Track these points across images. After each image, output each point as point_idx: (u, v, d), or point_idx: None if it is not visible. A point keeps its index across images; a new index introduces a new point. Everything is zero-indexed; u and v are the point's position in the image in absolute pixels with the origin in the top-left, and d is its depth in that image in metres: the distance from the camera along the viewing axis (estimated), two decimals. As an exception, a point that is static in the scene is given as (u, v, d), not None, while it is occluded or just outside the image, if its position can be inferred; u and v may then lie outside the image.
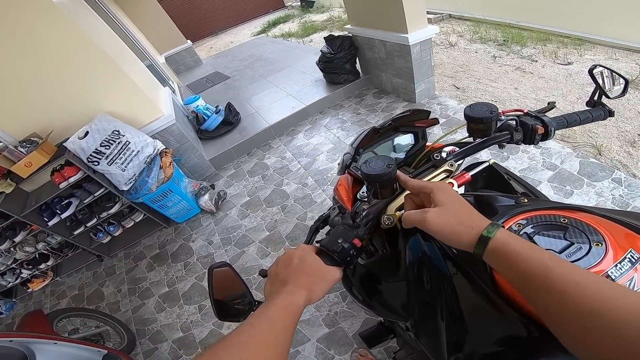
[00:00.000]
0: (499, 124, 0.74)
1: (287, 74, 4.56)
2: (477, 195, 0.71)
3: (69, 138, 2.23)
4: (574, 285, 0.34)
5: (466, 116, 0.70)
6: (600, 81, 0.76)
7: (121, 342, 2.02)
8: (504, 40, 4.10)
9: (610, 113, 0.78)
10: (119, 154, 2.28)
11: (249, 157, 3.30)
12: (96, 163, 2.23)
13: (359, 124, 3.23)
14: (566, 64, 3.34)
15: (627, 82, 0.76)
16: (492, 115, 0.67)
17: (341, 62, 3.51)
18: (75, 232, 2.48)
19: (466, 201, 0.50)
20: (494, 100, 3.02)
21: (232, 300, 0.57)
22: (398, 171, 0.58)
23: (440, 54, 4.21)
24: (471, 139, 0.77)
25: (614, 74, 0.77)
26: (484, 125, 0.69)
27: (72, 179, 2.23)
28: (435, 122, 0.91)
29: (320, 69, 3.73)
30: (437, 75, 3.61)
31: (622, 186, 1.95)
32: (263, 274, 0.57)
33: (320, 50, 3.61)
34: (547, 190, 2.05)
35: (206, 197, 2.74)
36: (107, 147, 2.25)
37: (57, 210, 2.34)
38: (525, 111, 0.77)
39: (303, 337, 1.77)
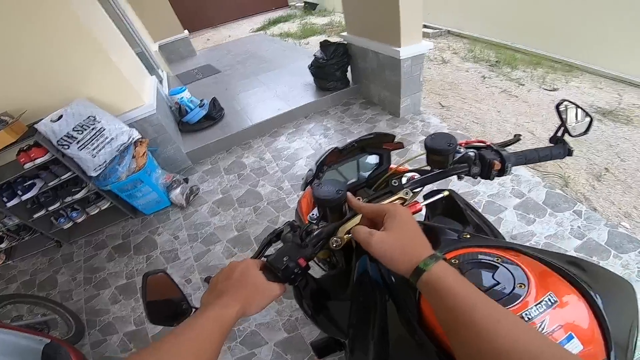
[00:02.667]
0: (458, 155, 0.74)
1: (278, 74, 4.54)
2: (426, 225, 0.74)
3: (41, 119, 2.17)
4: (494, 324, 0.35)
5: (426, 146, 0.70)
6: (565, 117, 0.76)
7: (68, 332, 1.95)
8: (496, 61, 4.16)
9: (569, 153, 0.78)
10: (92, 140, 2.23)
11: (227, 154, 3.26)
12: (66, 147, 2.17)
13: (342, 132, 3.22)
14: (551, 90, 3.40)
15: (591, 120, 0.76)
16: (450, 148, 0.68)
17: (333, 68, 3.50)
18: (35, 216, 2.40)
19: (418, 228, 0.50)
20: (475, 121, 3.05)
21: (167, 306, 0.58)
22: (351, 196, 0.61)
23: (431, 70, 4.24)
24: (429, 168, 0.78)
25: (581, 110, 0.77)
26: (441, 157, 0.70)
27: (38, 160, 2.17)
28: (401, 146, 0.92)
29: (311, 73, 3.71)
30: (424, 92, 3.62)
31: (581, 218, 2.01)
32: (208, 280, 0.57)
33: (314, 55, 3.59)
34: (511, 216, 2.07)
35: (178, 190, 2.70)
36: (80, 132, 2.19)
37: (19, 191, 2.26)
38: (487, 143, 0.78)
39: (260, 340, 1.75)
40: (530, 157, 0.76)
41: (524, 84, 3.56)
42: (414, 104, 3.23)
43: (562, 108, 0.75)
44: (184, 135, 3.39)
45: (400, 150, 2.56)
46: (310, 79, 3.87)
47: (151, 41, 5.72)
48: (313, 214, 0.91)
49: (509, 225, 2.02)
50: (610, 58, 3.43)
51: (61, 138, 2.14)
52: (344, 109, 3.61)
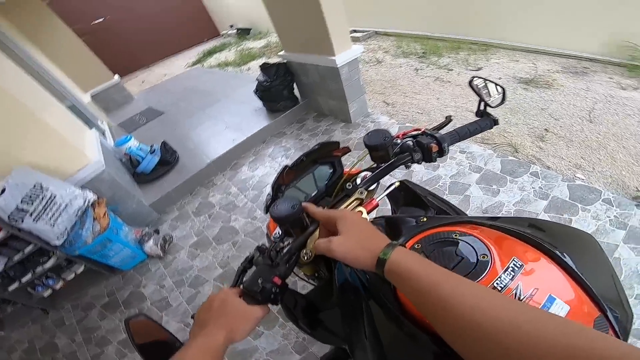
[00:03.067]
0: (396, 147, 0.78)
1: (225, 105, 4.48)
2: (387, 218, 0.77)
3: None
4: (460, 298, 0.36)
5: (365, 145, 0.73)
6: (485, 91, 0.82)
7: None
8: (423, 53, 4.47)
9: (495, 122, 0.84)
10: (45, 210, 2.08)
11: (192, 196, 3.17)
12: (19, 221, 2.01)
13: (302, 149, 3.26)
14: (476, 70, 3.73)
15: (504, 90, 0.83)
16: (386, 142, 0.71)
17: (279, 89, 3.52)
18: (10, 289, 2.26)
19: (369, 225, 0.53)
20: (420, 112, 3.26)
21: (160, 346, 0.57)
22: (308, 204, 0.62)
23: (369, 72, 4.45)
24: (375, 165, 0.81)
25: (492, 84, 0.83)
26: (381, 151, 0.73)
27: None
28: (347, 150, 0.94)
29: (258, 97, 3.71)
30: (368, 93, 3.80)
31: (539, 178, 2.17)
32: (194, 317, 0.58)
33: (257, 79, 3.60)
34: (477, 192, 2.22)
35: (151, 242, 2.62)
36: (30, 204, 2.04)
37: None
38: (422, 130, 0.82)
39: (275, 368, 1.72)
40: (462, 134, 0.82)
41: (452, 69, 3.88)
42: (361, 107, 3.36)
43: (475, 84, 0.82)
44: (142, 186, 3.23)
45: (355, 153, 2.65)
46: (258, 103, 3.87)
47: (81, 92, 5.38)
48: (275, 234, 0.93)
49: (478, 200, 2.15)
50: (519, 32, 3.86)
51: (11, 213, 1.99)
52: (299, 126, 3.66)
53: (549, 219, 1.90)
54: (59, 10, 6.42)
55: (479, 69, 3.73)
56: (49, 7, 5.18)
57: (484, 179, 2.29)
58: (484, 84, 0.82)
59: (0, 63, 2.44)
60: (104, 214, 2.38)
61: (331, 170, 0.97)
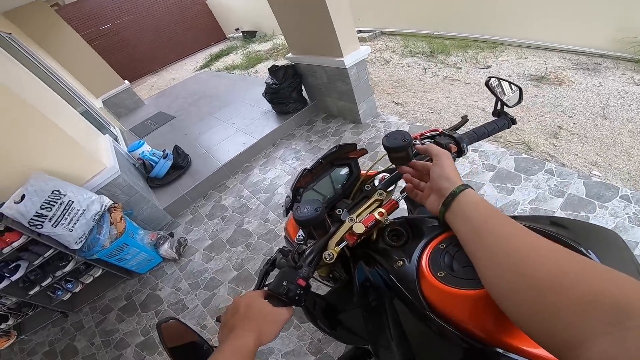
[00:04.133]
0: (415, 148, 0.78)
1: (235, 108, 4.52)
2: (407, 219, 0.74)
3: (4, 203, 2.04)
4: (513, 240, 0.41)
5: (384, 146, 0.72)
6: (500, 91, 0.81)
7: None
8: (431, 52, 4.45)
9: (513, 121, 0.84)
10: (63, 215, 2.14)
11: (205, 200, 3.21)
12: (39, 226, 2.07)
13: (312, 151, 3.27)
14: (486, 68, 3.70)
15: (520, 89, 0.83)
16: (405, 143, 0.70)
17: (287, 91, 3.55)
18: (31, 292, 2.34)
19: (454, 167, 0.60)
20: (430, 111, 3.25)
21: (190, 349, 0.59)
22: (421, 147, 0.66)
23: (377, 72, 4.45)
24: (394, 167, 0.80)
25: (508, 83, 0.83)
26: (400, 153, 0.72)
27: (15, 244, 2.09)
28: (365, 152, 0.94)
29: (267, 100, 3.74)
30: (377, 93, 3.80)
31: (554, 176, 2.13)
32: (219, 319, 0.59)
33: (265, 82, 3.63)
34: (490, 190, 2.20)
35: (166, 245, 2.66)
36: (49, 209, 2.10)
37: (5, 274, 2.18)
38: (440, 130, 0.81)
39: (291, 370, 1.74)
40: (480, 134, 0.82)
41: (461, 68, 3.85)
42: (371, 108, 3.36)
43: (491, 84, 0.81)
44: (156, 191, 3.29)
45: (368, 155, 2.66)
46: (267, 106, 3.90)
47: (93, 98, 5.51)
48: (299, 236, 0.93)
49: (492, 199, 2.13)
50: (526, 30, 3.83)
51: (31, 219, 2.05)
52: (308, 128, 3.68)
53: (565, 216, 1.87)
54: (67, 16, 6.64)
55: (488, 66, 3.70)
56: (58, 13, 5.31)
57: (498, 177, 2.26)
58: (498, 83, 0.82)
59: (14, 70, 2.50)
60: (121, 219, 2.45)
61: (348, 172, 0.97)
